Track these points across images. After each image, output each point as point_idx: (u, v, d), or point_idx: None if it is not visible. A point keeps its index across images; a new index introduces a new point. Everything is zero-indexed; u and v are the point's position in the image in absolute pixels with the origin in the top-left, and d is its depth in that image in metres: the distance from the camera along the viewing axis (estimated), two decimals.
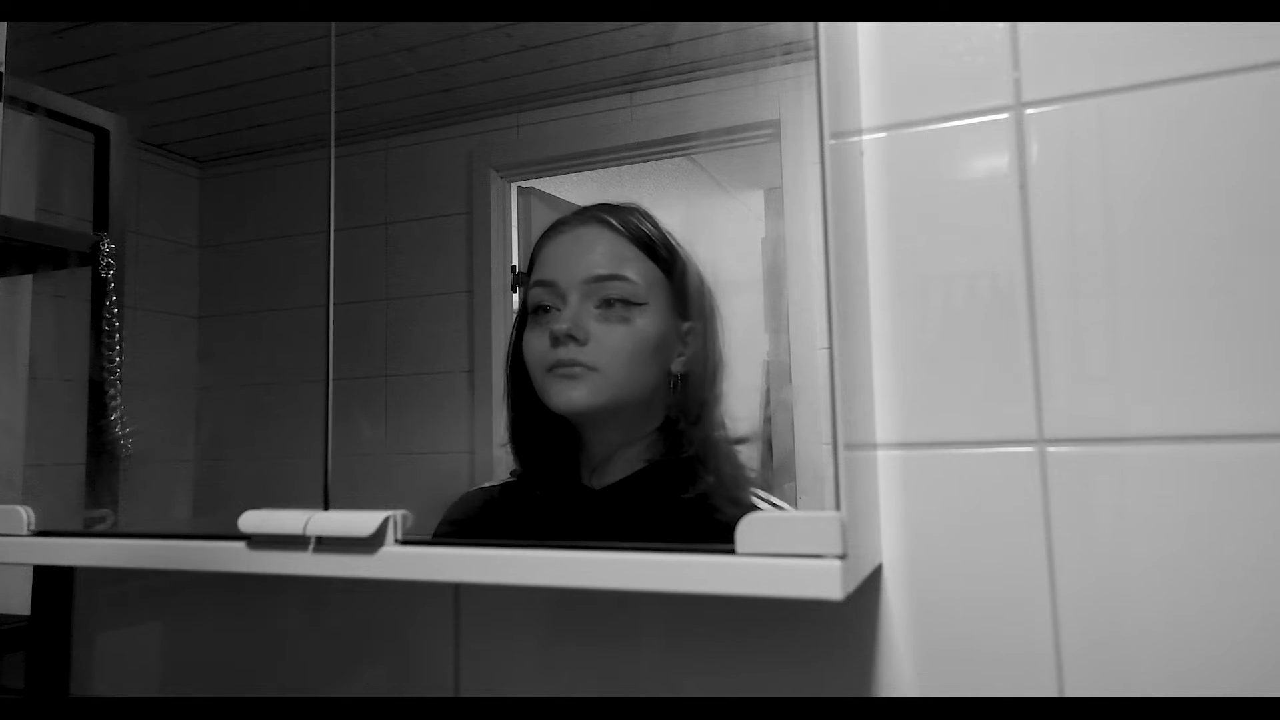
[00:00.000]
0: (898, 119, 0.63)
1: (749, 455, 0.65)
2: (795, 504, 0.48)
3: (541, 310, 0.67)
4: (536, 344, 0.67)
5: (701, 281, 0.68)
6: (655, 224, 0.68)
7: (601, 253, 0.67)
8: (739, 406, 0.69)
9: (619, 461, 0.67)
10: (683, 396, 0.66)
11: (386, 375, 0.85)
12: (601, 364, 0.64)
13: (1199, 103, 0.56)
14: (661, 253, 0.67)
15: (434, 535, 0.66)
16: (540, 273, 0.68)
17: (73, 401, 0.87)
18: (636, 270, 0.66)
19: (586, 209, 0.70)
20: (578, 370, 0.64)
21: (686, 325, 0.67)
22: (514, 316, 0.73)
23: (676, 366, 0.66)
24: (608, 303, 0.65)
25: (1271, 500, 0.53)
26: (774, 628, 0.64)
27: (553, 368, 0.65)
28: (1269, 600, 0.53)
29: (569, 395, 0.64)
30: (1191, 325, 0.55)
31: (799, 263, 0.67)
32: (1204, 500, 0.54)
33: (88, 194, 0.90)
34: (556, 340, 0.65)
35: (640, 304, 0.65)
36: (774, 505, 0.62)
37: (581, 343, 0.64)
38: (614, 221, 0.67)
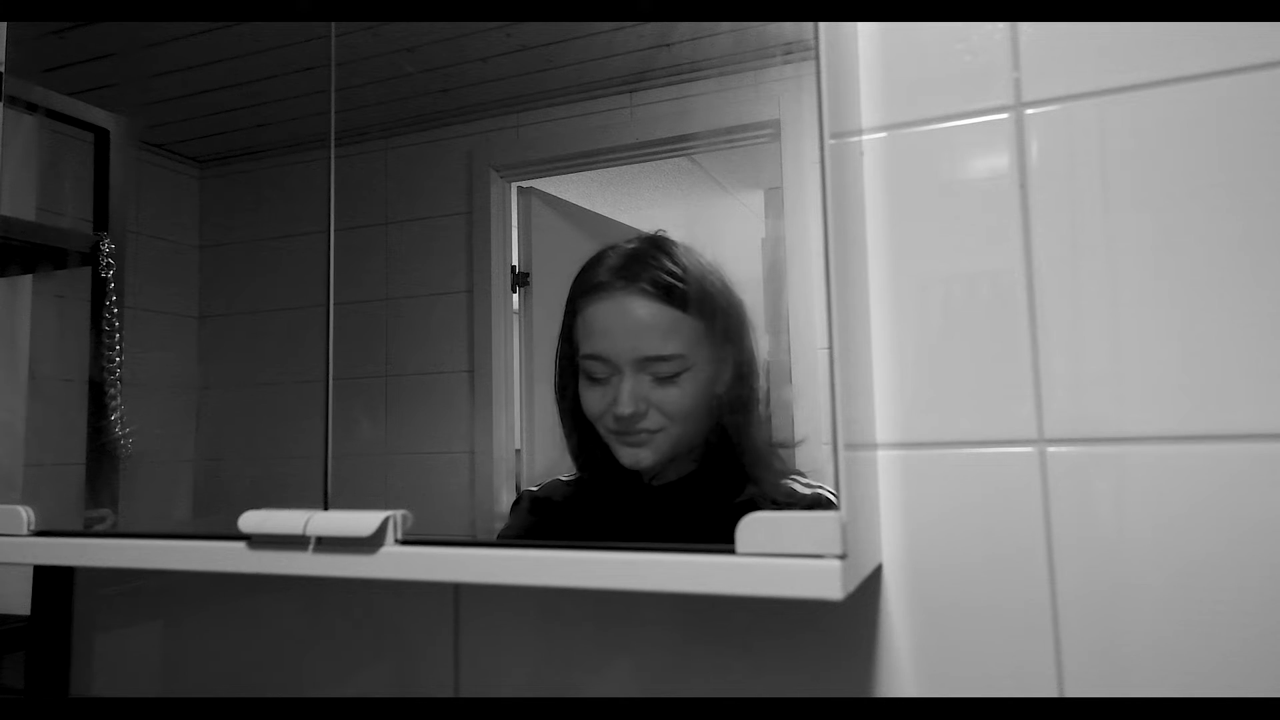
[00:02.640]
0: (898, 119, 0.63)
1: (789, 455, 0.67)
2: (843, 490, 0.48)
3: (595, 381, 0.70)
4: (597, 407, 0.70)
5: (730, 301, 0.70)
6: (683, 264, 0.70)
7: (647, 328, 0.69)
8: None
9: (671, 469, 0.70)
10: (726, 407, 0.69)
11: (386, 375, 0.85)
12: (664, 425, 0.68)
13: (1199, 103, 0.56)
14: (697, 299, 0.69)
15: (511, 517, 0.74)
16: (591, 345, 0.70)
17: (73, 401, 0.87)
18: (682, 339, 0.68)
19: (624, 267, 0.71)
20: (643, 436, 0.68)
21: (726, 349, 0.69)
22: (555, 348, 0.74)
23: (720, 388, 0.69)
24: (659, 376, 0.68)
25: (1271, 500, 0.53)
26: (774, 627, 0.64)
27: (618, 434, 0.69)
28: (1269, 600, 0.53)
29: (637, 457, 0.69)
30: (1191, 325, 0.55)
31: (799, 263, 0.67)
32: (1204, 500, 0.54)
33: (88, 194, 0.90)
34: (620, 419, 0.68)
35: (688, 369, 0.68)
36: (824, 493, 0.63)
37: (643, 415, 0.68)
38: (651, 289, 0.69)
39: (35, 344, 0.91)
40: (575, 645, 0.71)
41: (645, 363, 0.68)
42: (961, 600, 0.59)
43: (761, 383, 0.69)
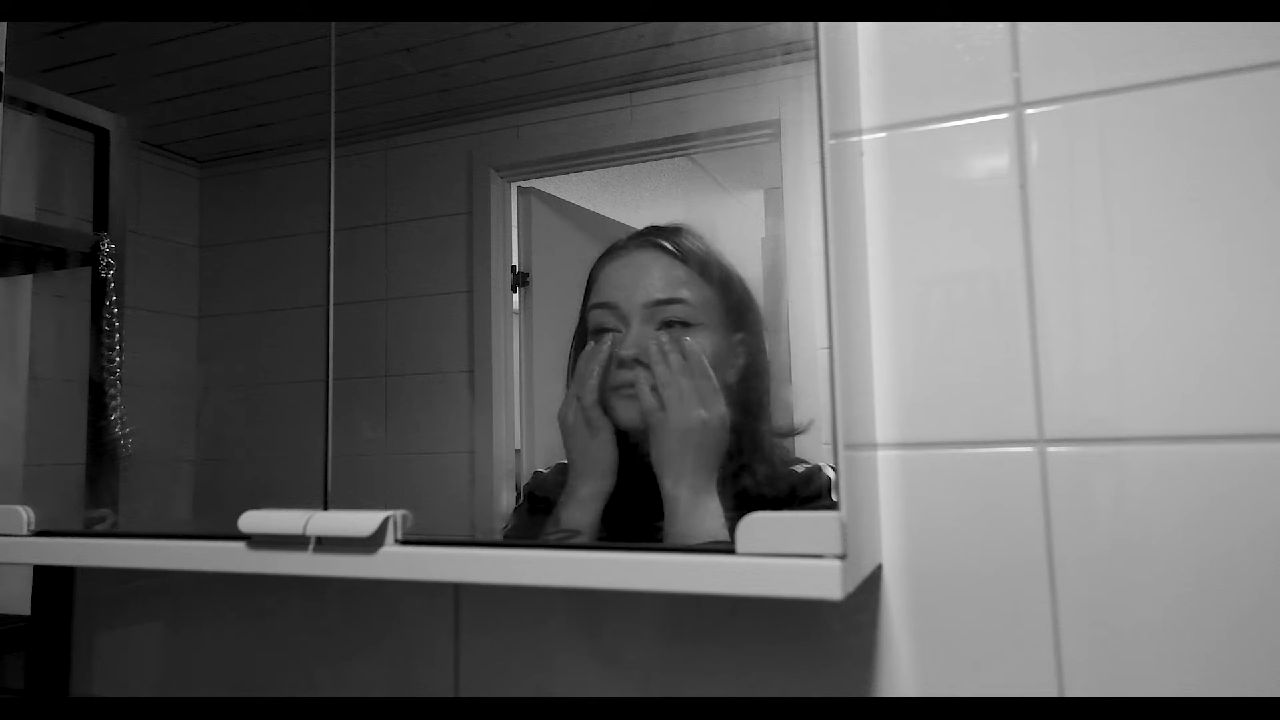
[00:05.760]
0: (898, 119, 0.63)
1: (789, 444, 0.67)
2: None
3: (603, 331, 0.70)
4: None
5: (749, 294, 0.71)
6: (704, 243, 0.72)
7: (658, 276, 0.70)
8: None
9: None
10: (737, 402, 0.68)
11: (386, 375, 0.85)
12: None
13: (1199, 103, 0.56)
14: (713, 272, 0.70)
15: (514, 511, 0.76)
16: (600, 295, 0.71)
17: (73, 401, 0.87)
18: (691, 292, 0.69)
19: (641, 233, 0.73)
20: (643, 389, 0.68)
21: (738, 336, 0.69)
22: (564, 328, 0.74)
23: (730, 377, 0.68)
24: (667, 324, 0.68)
25: (1271, 500, 0.53)
26: (774, 627, 0.64)
27: (618, 388, 0.68)
28: (1269, 600, 0.53)
29: (635, 413, 0.67)
30: (1191, 325, 0.55)
31: (799, 263, 0.67)
32: (1204, 500, 0.54)
33: (88, 194, 0.90)
34: (622, 363, 0.68)
35: (696, 324, 0.68)
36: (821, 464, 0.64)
37: (645, 365, 0.67)
38: (668, 245, 0.71)
39: (35, 344, 0.91)
40: (575, 645, 0.71)
41: (654, 308, 0.68)
42: (961, 600, 0.59)
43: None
